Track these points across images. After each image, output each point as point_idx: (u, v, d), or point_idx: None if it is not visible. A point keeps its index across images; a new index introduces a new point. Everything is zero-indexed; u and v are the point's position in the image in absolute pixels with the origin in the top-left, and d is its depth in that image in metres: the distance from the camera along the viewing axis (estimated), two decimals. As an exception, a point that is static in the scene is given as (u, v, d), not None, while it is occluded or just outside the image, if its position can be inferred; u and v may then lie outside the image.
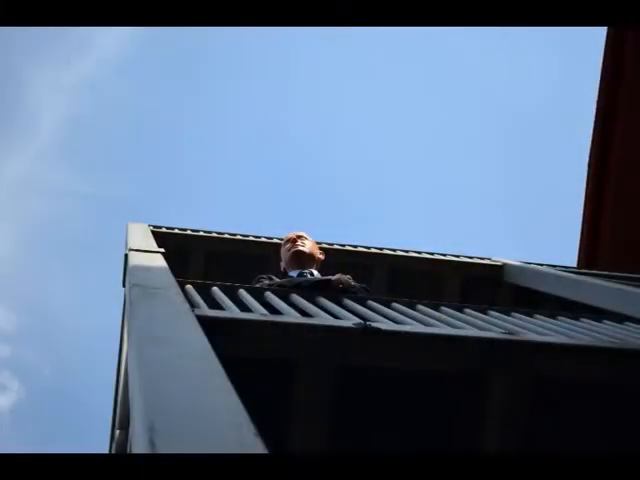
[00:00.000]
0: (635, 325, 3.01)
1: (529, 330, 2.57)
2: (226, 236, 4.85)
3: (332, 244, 5.00)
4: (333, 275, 3.10)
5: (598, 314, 3.22)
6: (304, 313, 2.50)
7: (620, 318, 3.13)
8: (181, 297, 2.15)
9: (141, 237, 3.75)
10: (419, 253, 5.19)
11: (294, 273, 3.36)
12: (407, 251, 5.20)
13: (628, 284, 4.10)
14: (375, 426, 2.24)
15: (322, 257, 3.54)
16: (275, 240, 4.60)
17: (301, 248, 3.44)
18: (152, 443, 1.02)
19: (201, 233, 4.83)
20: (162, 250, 3.22)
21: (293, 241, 3.49)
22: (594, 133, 6.53)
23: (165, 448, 1.01)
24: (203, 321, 1.89)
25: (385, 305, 2.81)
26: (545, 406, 2.32)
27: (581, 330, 2.69)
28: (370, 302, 2.82)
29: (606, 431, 2.38)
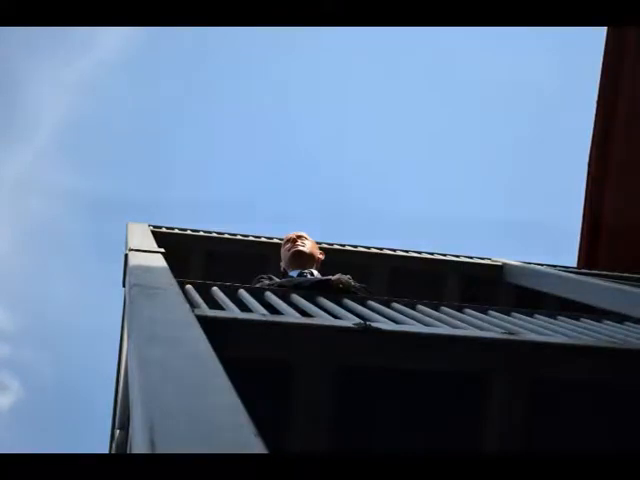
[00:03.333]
0: (635, 325, 3.00)
1: (529, 330, 2.57)
2: (226, 236, 4.85)
3: (332, 244, 5.00)
4: (333, 275, 3.10)
5: (598, 314, 3.22)
6: (304, 313, 2.50)
7: (620, 318, 3.13)
8: (181, 297, 2.15)
9: (141, 237, 3.75)
10: (419, 253, 5.20)
11: (294, 273, 3.36)
12: (407, 251, 5.20)
13: (628, 284, 4.10)
14: (375, 426, 2.25)
15: (322, 257, 3.54)
16: (275, 240, 4.61)
17: (301, 248, 3.44)
18: (152, 443, 1.02)
19: (201, 233, 4.83)
20: (162, 250, 3.22)
21: (293, 241, 3.49)
22: (594, 132, 6.53)
23: (165, 448, 1.01)
24: (203, 321, 1.89)
25: (385, 305, 2.81)
26: (545, 406, 2.32)
27: (581, 330, 2.69)
28: (370, 302, 2.82)
29: (606, 431, 2.38)
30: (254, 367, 2.13)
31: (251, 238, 4.87)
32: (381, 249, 5.14)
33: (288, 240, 3.53)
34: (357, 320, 2.33)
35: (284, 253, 3.50)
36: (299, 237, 3.50)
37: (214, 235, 4.82)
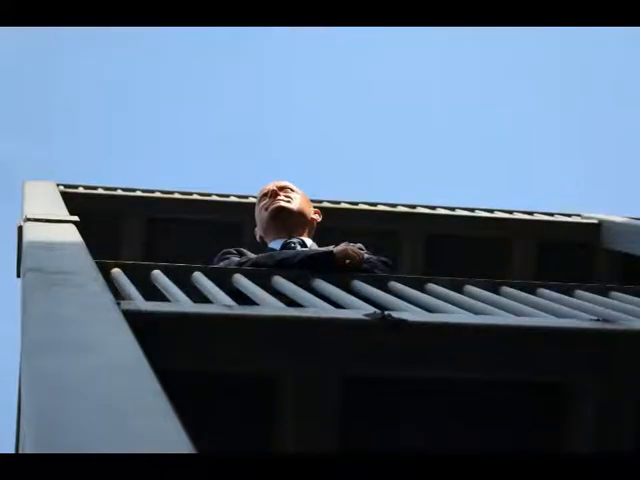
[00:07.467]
0: None
1: (637, 316, 2.57)
2: (176, 196, 4.85)
3: (338, 202, 5.01)
4: (336, 245, 3.10)
5: None
6: (292, 303, 2.53)
7: None
8: (100, 284, 2.18)
9: (45, 201, 3.79)
10: (471, 211, 5.19)
11: (276, 244, 3.34)
12: (453, 209, 5.20)
13: None
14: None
15: (318, 218, 3.52)
16: (251, 199, 4.60)
17: (285, 204, 3.40)
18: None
19: (138, 193, 4.85)
20: (74, 219, 3.25)
21: (272, 195, 3.44)
22: None
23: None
24: (134, 318, 1.93)
25: (417, 287, 2.83)
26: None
27: None
28: (393, 283, 2.86)
29: None
30: (215, 385, 2.17)
31: (214, 198, 4.87)
32: (413, 207, 5.15)
33: (265, 194, 3.47)
34: (371, 309, 2.34)
35: (260, 214, 3.44)
36: (281, 189, 3.43)
37: (158, 195, 4.84)
